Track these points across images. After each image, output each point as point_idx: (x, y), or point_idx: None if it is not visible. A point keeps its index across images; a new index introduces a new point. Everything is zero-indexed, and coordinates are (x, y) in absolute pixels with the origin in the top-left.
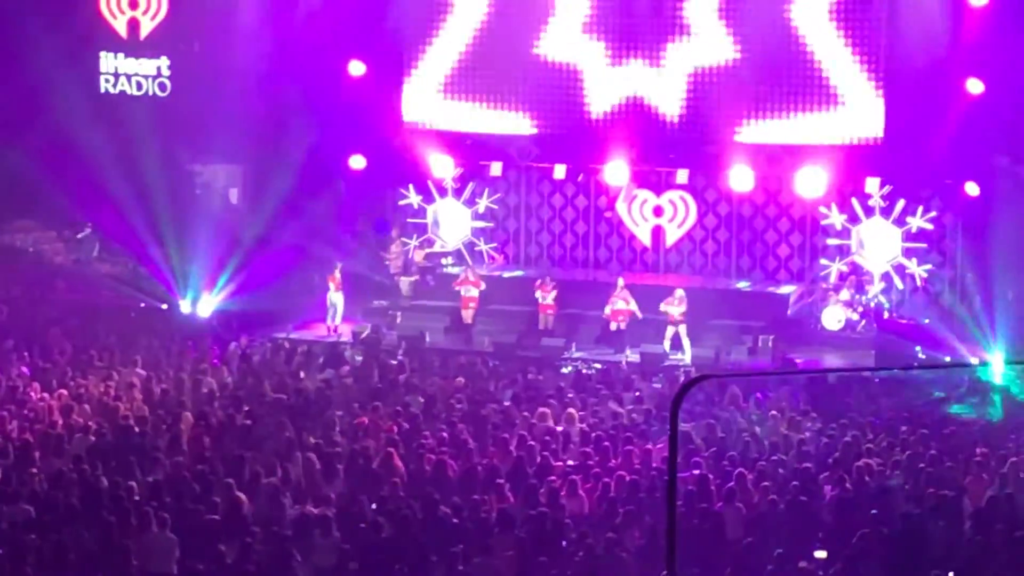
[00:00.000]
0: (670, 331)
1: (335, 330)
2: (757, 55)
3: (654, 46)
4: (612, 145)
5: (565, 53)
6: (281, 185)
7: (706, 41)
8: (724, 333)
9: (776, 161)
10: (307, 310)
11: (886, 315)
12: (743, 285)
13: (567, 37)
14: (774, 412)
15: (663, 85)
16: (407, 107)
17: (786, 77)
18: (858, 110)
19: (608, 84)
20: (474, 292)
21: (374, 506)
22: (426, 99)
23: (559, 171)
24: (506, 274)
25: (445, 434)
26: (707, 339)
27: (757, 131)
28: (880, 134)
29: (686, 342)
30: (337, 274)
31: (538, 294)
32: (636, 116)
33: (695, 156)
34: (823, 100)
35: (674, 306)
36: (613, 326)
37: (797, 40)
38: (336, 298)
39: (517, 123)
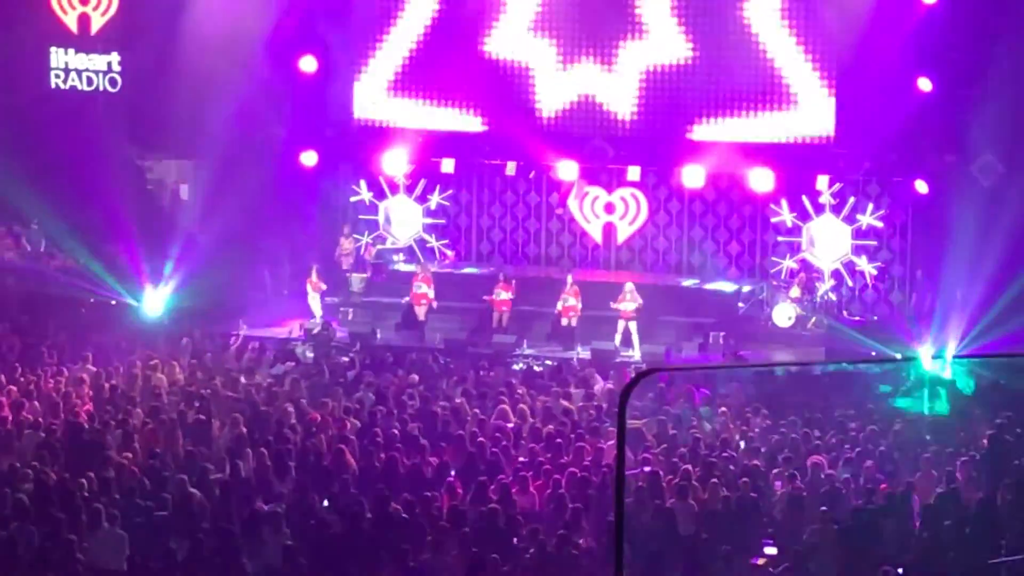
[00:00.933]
0: (621, 326)
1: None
2: (710, 54)
3: (607, 45)
4: (563, 144)
5: (515, 52)
6: (232, 181)
7: (659, 40)
8: (675, 330)
9: (728, 159)
10: (258, 307)
11: (836, 312)
12: (693, 282)
13: (517, 36)
14: (724, 408)
15: (615, 85)
16: (359, 103)
17: (738, 75)
18: (809, 108)
19: (559, 84)
20: (424, 288)
21: (325, 503)
22: (378, 95)
23: (510, 168)
24: (457, 271)
25: (396, 431)
26: (658, 335)
27: (709, 129)
28: (831, 132)
29: (635, 338)
30: (314, 276)
31: (497, 291)
32: (587, 116)
33: (647, 154)
34: (775, 99)
35: (626, 302)
36: (564, 322)
37: (749, 39)
38: (313, 300)
39: (467, 121)
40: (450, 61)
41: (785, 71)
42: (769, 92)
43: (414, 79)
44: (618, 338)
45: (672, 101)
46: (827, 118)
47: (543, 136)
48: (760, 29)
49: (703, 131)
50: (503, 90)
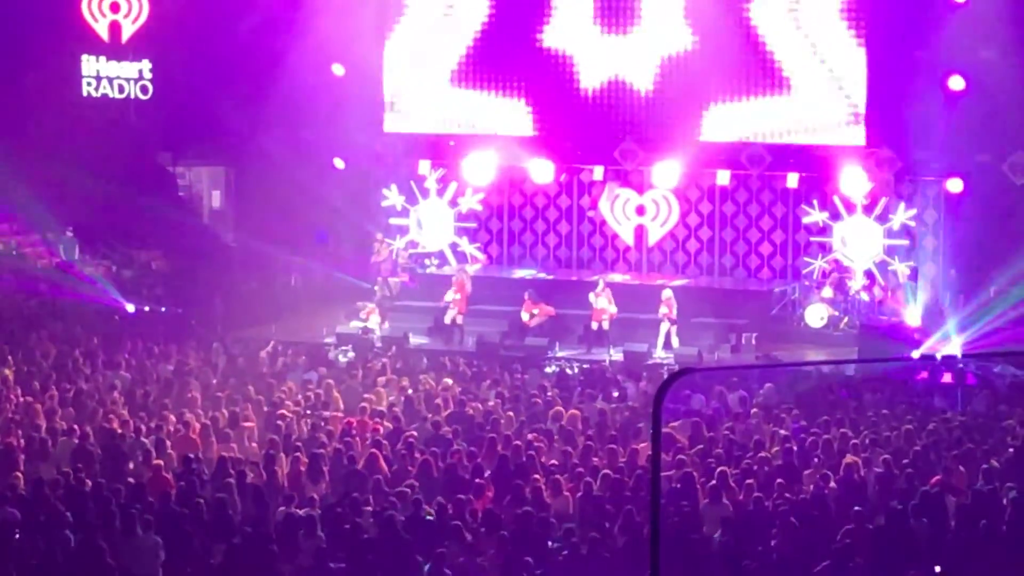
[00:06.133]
0: (664, 327)
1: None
2: (730, 53)
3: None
4: (594, 145)
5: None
6: (263, 187)
7: (672, 36)
8: (707, 331)
9: (758, 161)
10: (289, 312)
11: (868, 312)
12: (725, 283)
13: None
14: (756, 410)
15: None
16: (390, 108)
17: (766, 76)
18: (841, 110)
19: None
20: (453, 295)
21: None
22: (410, 100)
23: (540, 171)
24: (487, 274)
25: (429, 434)
26: (690, 337)
27: (738, 130)
28: (862, 133)
29: (675, 340)
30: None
31: (527, 312)
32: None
33: (677, 154)
34: (805, 99)
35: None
36: (594, 325)
37: (775, 39)
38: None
39: (503, 123)
40: (501, 54)
41: (816, 72)
42: (798, 91)
43: (448, 80)
44: (660, 341)
45: (694, 97)
46: (859, 118)
47: (575, 130)
48: (793, 29)
49: (732, 132)
50: (546, 77)
